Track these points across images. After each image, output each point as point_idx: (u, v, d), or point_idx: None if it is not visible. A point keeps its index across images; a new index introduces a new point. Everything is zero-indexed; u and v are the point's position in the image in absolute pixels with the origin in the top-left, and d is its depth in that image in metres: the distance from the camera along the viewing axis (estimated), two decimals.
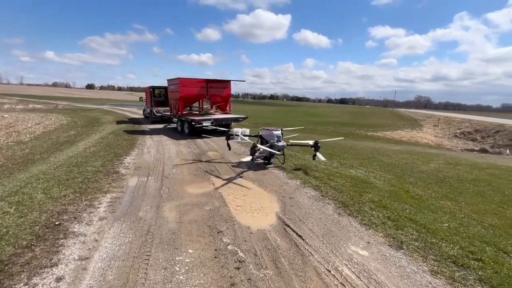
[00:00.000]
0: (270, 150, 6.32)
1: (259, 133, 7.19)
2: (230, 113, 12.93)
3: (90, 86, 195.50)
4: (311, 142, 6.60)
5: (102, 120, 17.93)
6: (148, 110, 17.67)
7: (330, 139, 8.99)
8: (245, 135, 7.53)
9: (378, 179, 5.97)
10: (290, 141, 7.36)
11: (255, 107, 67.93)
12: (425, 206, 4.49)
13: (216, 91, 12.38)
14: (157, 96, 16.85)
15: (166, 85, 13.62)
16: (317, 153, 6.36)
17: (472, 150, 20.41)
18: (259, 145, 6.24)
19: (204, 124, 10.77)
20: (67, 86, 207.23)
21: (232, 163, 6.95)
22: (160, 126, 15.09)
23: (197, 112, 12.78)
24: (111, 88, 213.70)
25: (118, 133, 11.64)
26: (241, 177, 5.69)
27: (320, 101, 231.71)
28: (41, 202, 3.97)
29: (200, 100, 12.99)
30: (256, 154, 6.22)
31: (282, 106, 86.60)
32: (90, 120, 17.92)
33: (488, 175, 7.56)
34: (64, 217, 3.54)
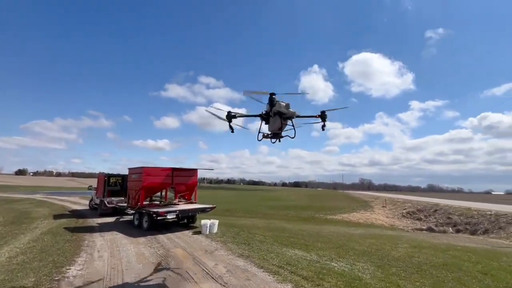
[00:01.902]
0: None
1: None
2: (196, 203, 12.22)
3: (21, 172, 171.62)
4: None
5: (34, 214, 15.03)
6: (98, 201, 15.65)
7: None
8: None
9: (364, 273, 5.74)
10: None
11: (213, 192, 66.25)
12: None
13: (182, 179, 11.96)
14: (111, 185, 15.40)
15: (118, 172, 12.82)
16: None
17: (421, 230, 22.01)
18: None
19: (169, 216, 9.78)
20: None
21: (207, 266, 6.07)
22: (111, 219, 13.16)
23: (159, 203, 11.77)
24: (48, 173, 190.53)
25: (57, 232, 9.64)
26: None
27: (275, 184, 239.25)
28: None
29: (164, 190, 12.23)
30: None
31: (240, 190, 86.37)
32: (17, 215, 14.82)
33: (452, 257, 7.95)
34: None
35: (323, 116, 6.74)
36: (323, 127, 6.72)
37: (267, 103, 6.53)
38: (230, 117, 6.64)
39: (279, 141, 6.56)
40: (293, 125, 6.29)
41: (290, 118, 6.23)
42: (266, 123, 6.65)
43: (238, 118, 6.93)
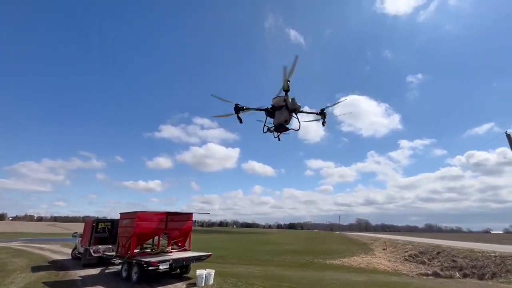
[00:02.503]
0: None
1: None
2: (190, 250, 11.48)
3: None
4: None
5: (10, 266, 13.70)
6: (82, 249, 14.47)
7: None
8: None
9: None
10: None
11: (206, 236, 62.76)
12: None
13: (176, 224, 11.41)
14: (100, 231, 14.45)
15: (105, 216, 12.17)
16: None
17: (427, 275, 20.83)
18: None
19: (161, 267, 9.06)
20: None
21: None
22: (96, 271, 12.04)
23: (150, 251, 11.00)
24: (29, 218, 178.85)
25: None
26: None
27: (270, 226, 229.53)
28: None
29: (157, 236, 11.55)
30: None
31: (233, 234, 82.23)
32: None
33: None
34: None
35: (323, 114, 7.68)
36: (323, 123, 7.76)
37: (270, 106, 7.47)
38: (238, 109, 7.24)
39: (279, 137, 7.62)
40: (297, 118, 7.11)
41: (296, 111, 7.00)
42: (271, 117, 7.30)
43: (246, 113, 7.51)
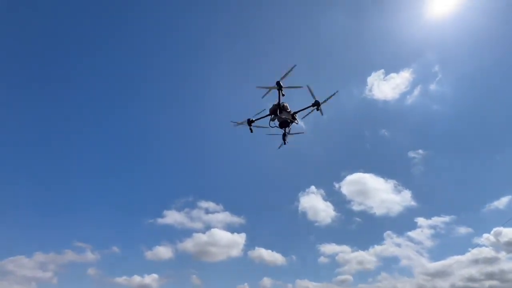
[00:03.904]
0: None
1: None
2: None
3: None
4: None
5: None
6: None
7: None
8: None
9: None
10: None
11: None
12: None
13: None
14: None
15: None
16: None
17: None
18: None
19: None
20: None
21: None
22: None
23: None
24: None
25: None
26: None
27: None
28: None
29: None
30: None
31: None
32: None
33: None
34: None
35: (317, 104, 10.55)
36: (320, 111, 10.08)
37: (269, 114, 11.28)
38: (250, 122, 10.52)
39: (285, 141, 11.53)
40: (291, 117, 10.70)
41: (285, 110, 10.28)
42: (274, 120, 10.57)
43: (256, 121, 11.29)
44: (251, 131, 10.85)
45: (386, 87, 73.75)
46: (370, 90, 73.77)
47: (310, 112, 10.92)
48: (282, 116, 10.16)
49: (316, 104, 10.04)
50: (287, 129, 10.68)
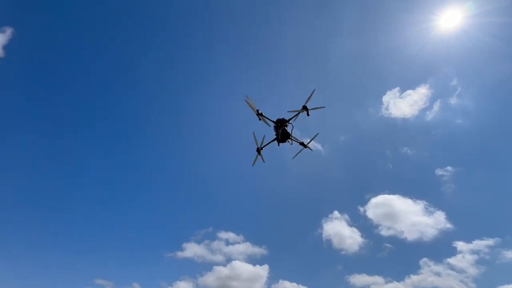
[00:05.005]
0: None
1: None
2: None
3: None
4: None
5: None
6: None
7: None
8: None
9: None
10: None
11: None
12: None
13: None
14: None
15: None
16: None
17: None
18: None
19: None
20: None
21: None
22: None
23: None
24: None
25: None
26: None
27: None
28: None
29: None
30: None
31: None
32: None
33: None
34: None
35: (305, 108, 11.52)
36: (307, 114, 11.79)
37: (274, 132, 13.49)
38: (258, 150, 12.30)
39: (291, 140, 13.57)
40: (292, 129, 12.97)
41: (284, 123, 12.61)
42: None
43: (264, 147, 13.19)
44: (263, 161, 12.72)
45: (403, 104, 72.23)
46: (387, 109, 72.04)
47: (296, 115, 12.80)
48: (281, 132, 12.08)
49: (305, 108, 12.10)
50: (290, 141, 12.60)
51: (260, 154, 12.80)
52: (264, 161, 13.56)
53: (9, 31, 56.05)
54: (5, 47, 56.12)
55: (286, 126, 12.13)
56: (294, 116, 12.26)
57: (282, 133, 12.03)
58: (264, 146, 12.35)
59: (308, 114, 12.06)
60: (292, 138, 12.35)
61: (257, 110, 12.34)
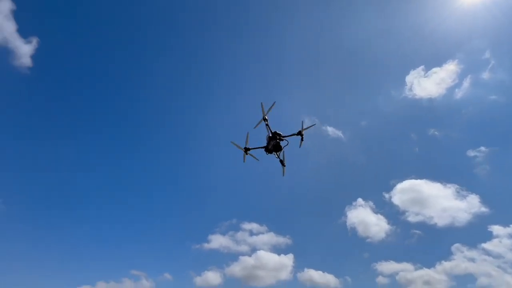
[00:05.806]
0: None
1: None
2: None
3: None
4: None
5: None
6: None
7: None
8: None
9: None
10: None
11: None
12: None
13: None
14: None
15: None
16: None
17: None
18: None
19: None
20: None
21: None
22: None
23: None
24: None
25: None
26: None
27: None
28: None
29: None
30: None
31: None
32: None
33: None
34: None
35: (300, 134, 12.14)
36: (300, 142, 12.48)
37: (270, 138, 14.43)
38: (246, 149, 13.68)
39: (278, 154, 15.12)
40: (287, 141, 13.76)
41: (278, 136, 13.36)
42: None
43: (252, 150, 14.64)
44: (244, 160, 14.62)
45: (428, 83, 66.73)
46: (411, 89, 66.75)
47: (290, 135, 13.95)
48: (273, 145, 13.37)
49: (300, 134, 13.08)
50: (279, 153, 13.89)
51: (246, 153, 14.30)
52: (257, 160, 15.12)
53: (34, 40, 60.06)
54: (32, 57, 60.76)
55: (281, 140, 13.16)
56: (289, 135, 13.58)
57: (274, 145, 13.27)
58: (251, 148, 14.57)
59: (302, 139, 13.29)
60: (278, 155, 14.22)
61: (244, 148, 14.14)
